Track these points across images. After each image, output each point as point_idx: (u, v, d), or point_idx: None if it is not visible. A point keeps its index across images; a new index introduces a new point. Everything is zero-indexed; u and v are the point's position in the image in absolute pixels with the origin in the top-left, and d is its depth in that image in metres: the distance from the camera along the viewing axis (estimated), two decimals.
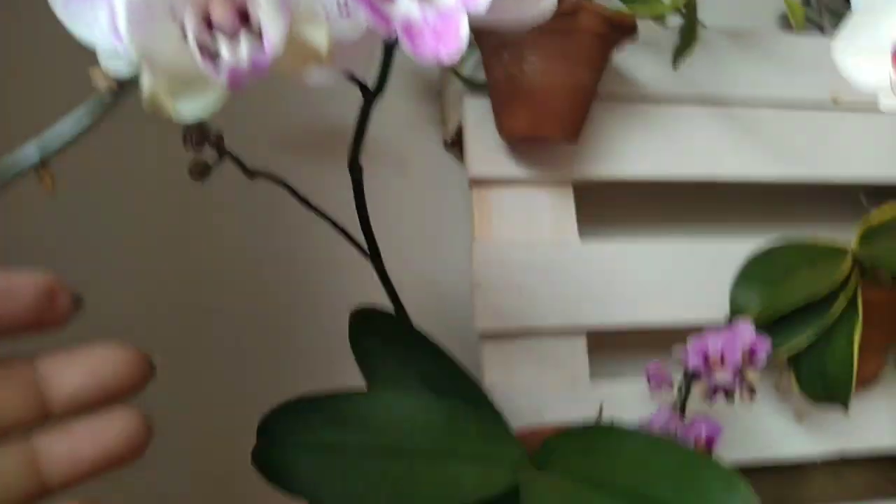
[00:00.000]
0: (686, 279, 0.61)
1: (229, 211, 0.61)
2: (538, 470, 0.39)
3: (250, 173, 0.37)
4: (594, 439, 0.37)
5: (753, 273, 0.54)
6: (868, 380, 0.59)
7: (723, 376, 0.44)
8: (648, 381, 0.53)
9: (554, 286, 0.58)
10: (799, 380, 0.55)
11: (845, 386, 0.52)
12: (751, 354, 0.45)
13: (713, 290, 0.59)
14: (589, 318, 0.58)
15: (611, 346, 0.64)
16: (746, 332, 0.45)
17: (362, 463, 0.38)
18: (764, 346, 0.45)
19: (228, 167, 0.39)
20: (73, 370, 0.21)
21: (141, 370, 0.22)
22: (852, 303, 0.50)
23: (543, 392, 0.57)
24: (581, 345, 0.59)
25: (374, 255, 0.44)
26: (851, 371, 0.51)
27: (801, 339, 0.50)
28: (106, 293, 0.56)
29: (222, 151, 0.34)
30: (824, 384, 0.53)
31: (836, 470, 0.73)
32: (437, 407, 0.40)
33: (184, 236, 0.60)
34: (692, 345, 0.46)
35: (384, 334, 0.46)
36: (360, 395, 0.40)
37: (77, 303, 0.21)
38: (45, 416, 0.21)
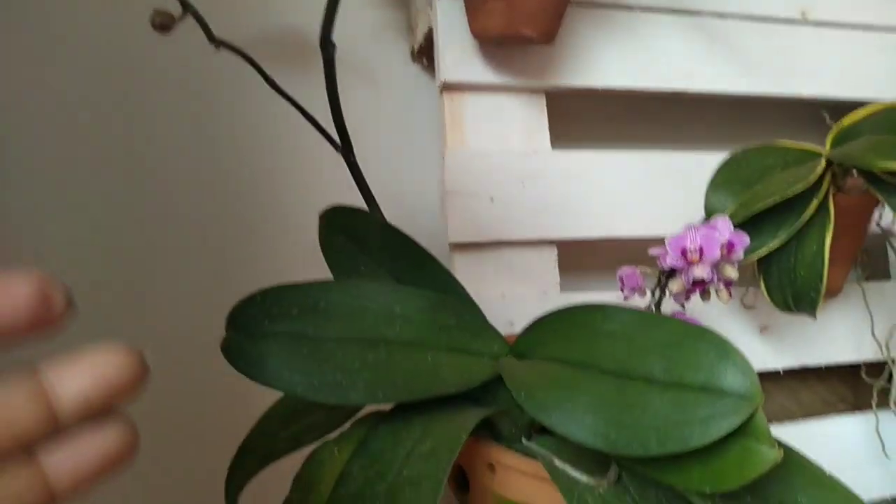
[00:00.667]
0: (658, 191, 0.60)
1: (190, 88, 0.58)
2: (519, 359, 0.39)
3: (216, 41, 0.35)
4: (577, 320, 0.36)
5: (728, 176, 0.53)
6: (835, 290, 0.60)
7: (700, 271, 0.43)
8: (622, 287, 0.52)
9: (525, 196, 0.57)
10: (768, 287, 0.55)
11: (815, 290, 0.52)
12: (728, 249, 0.44)
13: (685, 203, 0.59)
14: (560, 230, 0.58)
15: (582, 260, 0.63)
16: (724, 227, 0.44)
17: (338, 352, 0.36)
18: (742, 241, 0.44)
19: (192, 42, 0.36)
20: (80, 376, 0.20)
21: (140, 370, 0.21)
22: (824, 206, 0.50)
23: (514, 304, 0.56)
24: (552, 256, 0.58)
25: (345, 147, 0.42)
26: (821, 274, 0.51)
27: (773, 241, 0.50)
28: (52, 187, 0.53)
29: (188, 5, 0.31)
30: (794, 289, 0.53)
31: (791, 388, 0.75)
32: (415, 297, 0.39)
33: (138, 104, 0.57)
34: (670, 241, 0.45)
35: (356, 233, 0.44)
36: (335, 284, 0.38)
37: (70, 303, 0.20)
38: (55, 425, 0.20)
